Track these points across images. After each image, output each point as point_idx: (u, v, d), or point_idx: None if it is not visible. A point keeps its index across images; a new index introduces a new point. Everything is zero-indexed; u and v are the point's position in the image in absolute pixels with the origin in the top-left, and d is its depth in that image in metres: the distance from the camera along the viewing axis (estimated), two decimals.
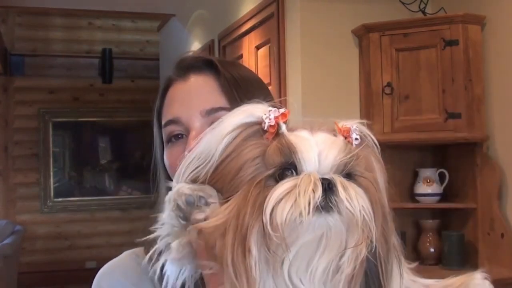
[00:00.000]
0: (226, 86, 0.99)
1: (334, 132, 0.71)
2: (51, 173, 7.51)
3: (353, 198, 0.63)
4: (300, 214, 0.61)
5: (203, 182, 0.69)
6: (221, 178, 0.67)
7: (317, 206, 0.62)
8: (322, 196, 0.62)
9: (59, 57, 7.57)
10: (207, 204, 0.67)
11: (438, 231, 3.25)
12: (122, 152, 7.80)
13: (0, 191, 7.27)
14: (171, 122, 0.99)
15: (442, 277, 3.34)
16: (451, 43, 3.04)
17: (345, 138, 0.70)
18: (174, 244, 0.69)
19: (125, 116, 7.78)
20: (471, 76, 3.05)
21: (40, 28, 7.51)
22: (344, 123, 0.71)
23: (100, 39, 7.74)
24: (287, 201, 0.61)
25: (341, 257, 0.64)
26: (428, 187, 3.24)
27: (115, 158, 7.81)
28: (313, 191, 0.62)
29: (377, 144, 0.73)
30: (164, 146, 1.02)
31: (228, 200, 0.66)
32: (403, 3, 3.38)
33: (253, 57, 3.93)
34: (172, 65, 1.06)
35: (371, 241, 0.64)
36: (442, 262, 3.14)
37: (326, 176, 0.64)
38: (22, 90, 7.41)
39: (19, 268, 6.41)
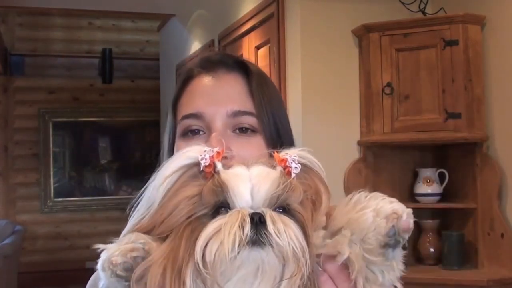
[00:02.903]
0: (256, 91, 0.97)
1: (274, 163, 0.72)
2: (51, 173, 7.51)
3: (281, 231, 0.64)
4: (227, 252, 0.63)
5: (145, 228, 0.70)
6: (160, 218, 0.69)
7: (249, 240, 0.64)
8: (253, 231, 0.64)
9: (59, 57, 7.57)
10: (144, 258, 0.68)
11: (438, 231, 3.25)
12: (122, 152, 7.80)
13: (0, 191, 7.27)
14: (193, 116, 0.96)
15: (442, 277, 3.36)
16: (451, 43, 3.04)
17: (284, 168, 0.71)
18: None
19: (125, 116, 7.78)
20: (471, 76, 3.05)
21: (40, 28, 7.51)
22: (284, 153, 0.72)
23: (100, 39, 7.73)
24: (215, 239, 0.64)
25: None
26: (428, 187, 3.24)
27: (115, 158, 7.81)
28: (241, 227, 0.64)
29: (322, 168, 0.74)
30: (177, 137, 0.98)
31: (167, 237, 0.68)
32: (403, 3, 3.38)
33: (253, 57, 3.93)
34: (197, 60, 1.03)
35: (305, 273, 0.65)
36: (442, 262, 3.13)
37: (258, 211, 0.65)
38: (22, 90, 7.40)
39: (19, 268, 6.41)
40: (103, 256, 0.69)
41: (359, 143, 3.33)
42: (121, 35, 7.84)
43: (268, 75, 4.13)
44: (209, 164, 0.70)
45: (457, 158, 3.25)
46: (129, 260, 0.68)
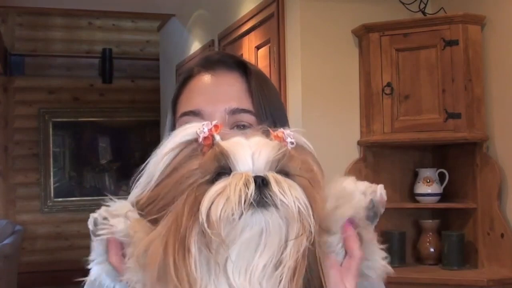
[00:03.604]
0: (255, 90, 0.98)
1: (269, 136, 0.72)
2: (51, 173, 7.51)
3: (286, 191, 0.64)
4: (233, 209, 0.62)
5: (144, 202, 0.71)
6: (161, 192, 0.69)
7: (253, 202, 0.63)
8: (256, 192, 0.63)
9: (59, 57, 7.57)
10: (107, 221, 0.73)
11: (438, 231, 3.25)
12: (122, 152, 7.80)
13: (0, 191, 7.27)
14: (191, 113, 0.97)
15: (442, 277, 3.38)
16: (451, 43, 3.04)
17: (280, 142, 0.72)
18: (92, 265, 0.75)
19: (125, 116, 7.78)
20: (471, 76, 3.05)
21: (40, 28, 7.51)
22: (278, 131, 0.73)
23: (100, 39, 7.74)
24: (220, 198, 0.63)
25: (283, 250, 0.65)
26: (428, 187, 3.24)
27: (115, 158, 7.81)
28: (246, 186, 0.63)
29: (313, 151, 0.75)
30: None
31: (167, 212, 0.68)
32: (403, 3, 3.38)
33: (253, 57, 3.93)
34: (197, 59, 1.04)
35: (311, 232, 0.65)
36: (442, 262, 3.14)
37: (260, 174, 0.65)
38: (22, 90, 7.41)
39: (19, 268, 6.41)
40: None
41: (359, 143, 3.33)
42: (121, 35, 7.84)
43: (268, 75, 4.13)
44: (208, 136, 0.70)
45: (457, 158, 3.25)
46: (99, 216, 0.73)
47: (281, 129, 0.72)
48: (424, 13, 3.36)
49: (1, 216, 6.93)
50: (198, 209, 0.64)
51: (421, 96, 3.12)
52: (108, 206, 0.76)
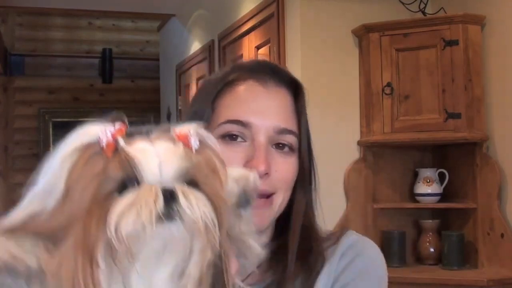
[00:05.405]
0: (301, 112, 0.98)
1: (174, 139, 0.70)
2: None
3: (194, 205, 0.64)
4: (144, 225, 0.61)
5: (47, 221, 0.66)
6: (66, 208, 0.65)
7: (161, 215, 0.62)
8: (164, 205, 0.63)
9: (59, 57, 7.57)
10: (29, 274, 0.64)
11: (438, 231, 3.25)
12: None
13: (0, 191, 7.27)
14: (239, 122, 0.95)
15: (442, 277, 3.39)
16: (451, 43, 3.04)
17: (185, 144, 0.69)
18: None
19: (125, 116, 7.78)
20: (471, 76, 3.05)
21: (40, 28, 7.51)
22: (181, 129, 0.70)
23: (100, 39, 7.73)
24: (129, 213, 0.62)
25: (187, 262, 0.65)
26: (428, 187, 3.24)
27: None
28: (154, 201, 0.63)
29: (217, 147, 0.72)
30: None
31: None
32: (403, 3, 3.38)
33: (253, 57, 3.93)
34: (245, 64, 1.03)
35: (215, 246, 0.65)
36: (442, 262, 3.13)
37: (168, 185, 0.64)
38: (22, 90, 7.40)
39: None
40: None
41: (359, 143, 3.33)
42: (121, 35, 7.84)
43: None
44: (111, 142, 0.67)
45: (457, 158, 3.25)
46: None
47: (184, 129, 0.70)
48: (424, 13, 3.37)
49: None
50: (104, 221, 0.62)
51: (421, 96, 3.12)
52: None
